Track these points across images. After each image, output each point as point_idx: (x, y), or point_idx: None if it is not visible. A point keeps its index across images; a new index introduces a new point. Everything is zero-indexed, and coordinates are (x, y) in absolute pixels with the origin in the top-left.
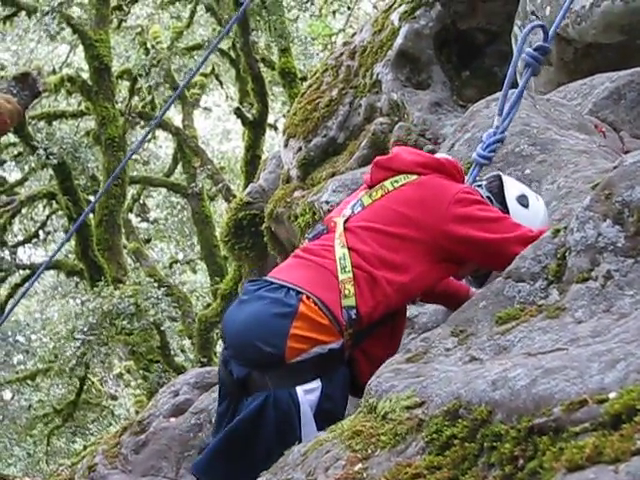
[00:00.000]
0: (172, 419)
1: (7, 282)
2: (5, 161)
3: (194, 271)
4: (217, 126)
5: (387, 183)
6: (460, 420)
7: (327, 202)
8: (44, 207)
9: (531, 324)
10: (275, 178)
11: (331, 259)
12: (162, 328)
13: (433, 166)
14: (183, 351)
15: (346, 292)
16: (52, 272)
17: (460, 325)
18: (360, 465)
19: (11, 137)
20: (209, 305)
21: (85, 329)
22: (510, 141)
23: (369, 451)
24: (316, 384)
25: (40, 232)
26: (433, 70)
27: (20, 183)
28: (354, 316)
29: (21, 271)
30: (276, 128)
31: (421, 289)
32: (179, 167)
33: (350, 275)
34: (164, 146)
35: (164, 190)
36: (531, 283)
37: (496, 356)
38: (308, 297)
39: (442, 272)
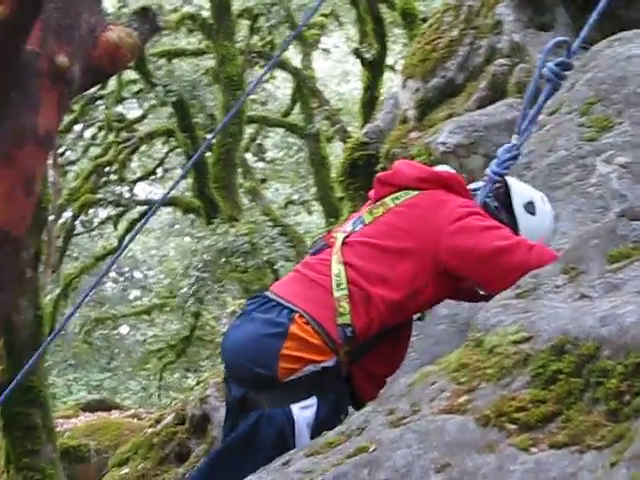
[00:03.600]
0: None
1: (125, 218)
2: (125, 98)
3: (309, 212)
4: (335, 68)
5: (388, 200)
6: (566, 355)
7: (443, 143)
8: (163, 144)
9: None
10: (392, 119)
11: (327, 275)
12: (275, 267)
13: (434, 180)
14: None
15: (341, 310)
16: (169, 209)
17: (571, 262)
18: (465, 397)
19: (131, 74)
20: None
21: (200, 266)
22: (632, 81)
23: (474, 384)
24: (312, 401)
25: (158, 169)
26: (557, 11)
27: (139, 120)
28: (349, 334)
29: (139, 207)
30: (394, 69)
31: (417, 307)
32: (296, 108)
33: (345, 292)
34: (282, 87)
35: (281, 130)
36: None
37: (606, 294)
38: (301, 316)
39: (440, 289)
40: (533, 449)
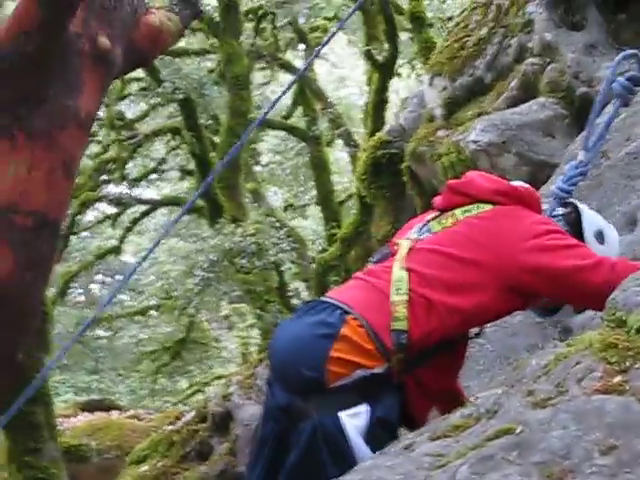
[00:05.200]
0: None
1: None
2: (126, 96)
3: (304, 217)
4: (332, 73)
5: (458, 212)
6: None
7: (475, 142)
8: (165, 144)
9: None
10: (416, 117)
11: (387, 280)
12: (281, 269)
13: (511, 195)
14: (297, 293)
15: (397, 315)
16: (164, 210)
17: None
18: (619, 377)
19: (137, 71)
20: (324, 250)
21: (205, 266)
22: None
23: (627, 364)
24: (362, 408)
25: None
26: (588, 11)
27: (141, 119)
28: (404, 341)
29: (138, 207)
30: (399, 74)
31: (481, 319)
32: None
33: (404, 298)
34: (278, 90)
35: (278, 134)
36: None
37: None
38: (355, 318)
39: (506, 304)
40: None
